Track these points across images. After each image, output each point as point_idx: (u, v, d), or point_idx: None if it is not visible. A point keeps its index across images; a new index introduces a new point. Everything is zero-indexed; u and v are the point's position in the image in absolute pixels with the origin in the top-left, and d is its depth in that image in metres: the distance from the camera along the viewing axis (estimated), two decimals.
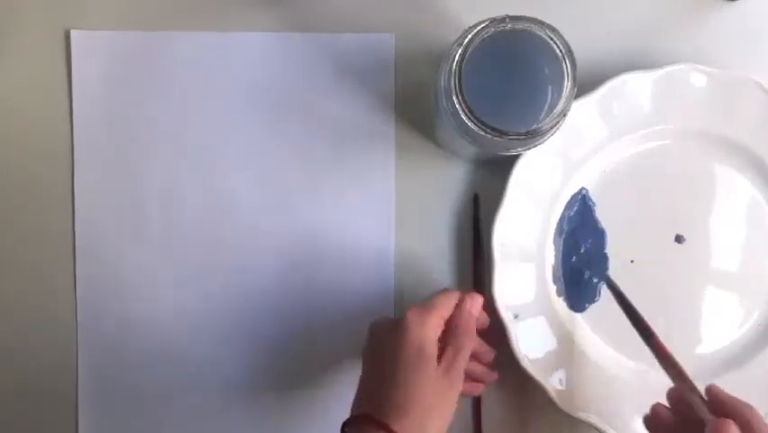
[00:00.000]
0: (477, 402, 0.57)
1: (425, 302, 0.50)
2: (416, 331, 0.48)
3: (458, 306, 0.51)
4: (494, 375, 0.55)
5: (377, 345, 0.50)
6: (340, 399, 0.56)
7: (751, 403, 0.55)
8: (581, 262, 0.56)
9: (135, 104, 0.57)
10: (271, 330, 0.57)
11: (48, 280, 0.57)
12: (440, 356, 0.49)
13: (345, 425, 0.48)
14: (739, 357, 0.56)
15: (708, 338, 0.57)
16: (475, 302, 0.51)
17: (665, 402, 0.50)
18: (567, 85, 0.46)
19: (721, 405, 0.46)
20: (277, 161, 0.57)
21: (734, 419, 0.44)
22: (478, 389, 0.54)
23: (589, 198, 0.56)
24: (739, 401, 0.46)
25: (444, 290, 0.52)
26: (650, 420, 0.50)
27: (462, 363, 0.49)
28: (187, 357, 0.57)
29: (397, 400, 0.47)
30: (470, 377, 0.53)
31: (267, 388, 0.57)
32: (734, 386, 0.55)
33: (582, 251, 0.56)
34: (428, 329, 0.48)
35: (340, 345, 0.57)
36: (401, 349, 0.48)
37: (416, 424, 0.46)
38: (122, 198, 0.57)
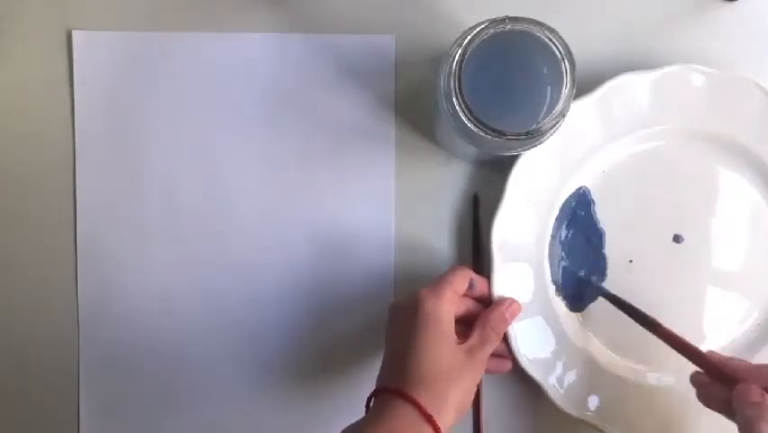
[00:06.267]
0: (477, 402, 0.57)
1: (438, 278, 0.51)
2: (431, 305, 0.49)
3: (496, 303, 0.53)
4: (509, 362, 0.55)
5: (395, 322, 0.51)
6: (346, 393, 0.57)
7: None
8: (580, 263, 0.56)
9: (136, 104, 0.57)
10: (275, 327, 0.57)
11: (49, 280, 0.57)
12: (464, 337, 0.50)
13: (369, 399, 0.49)
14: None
15: (708, 338, 0.56)
16: (513, 309, 0.53)
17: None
18: (566, 85, 0.46)
19: (742, 374, 0.47)
20: (277, 161, 0.57)
21: (757, 383, 0.46)
22: (506, 365, 0.55)
23: (588, 198, 0.56)
24: (759, 366, 0.47)
25: (456, 267, 0.53)
26: (700, 394, 0.50)
27: (486, 354, 0.51)
28: (190, 355, 0.57)
29: (417, 371, 0.48)
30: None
31: (272, 381, 0.58)
32: None
33: (581, 251, 0.56)
34: (443, 303, 0.50)
35: (343, 346, 0.57)
36: (418, 323, 0.49)
37: (438, 393, 0.47)
38: (123, 198, 0.57)
